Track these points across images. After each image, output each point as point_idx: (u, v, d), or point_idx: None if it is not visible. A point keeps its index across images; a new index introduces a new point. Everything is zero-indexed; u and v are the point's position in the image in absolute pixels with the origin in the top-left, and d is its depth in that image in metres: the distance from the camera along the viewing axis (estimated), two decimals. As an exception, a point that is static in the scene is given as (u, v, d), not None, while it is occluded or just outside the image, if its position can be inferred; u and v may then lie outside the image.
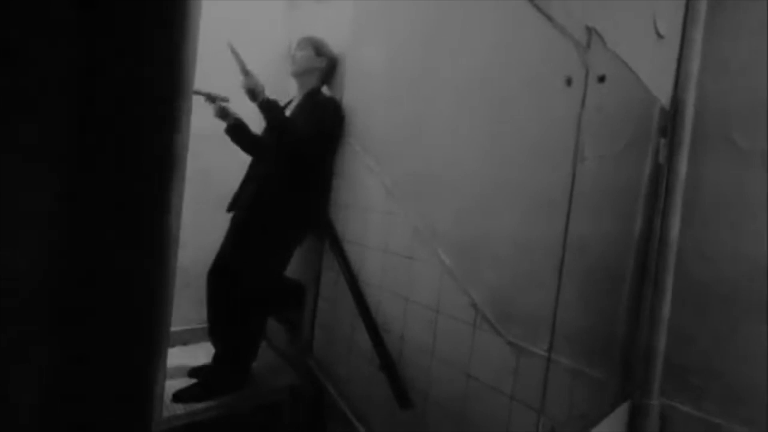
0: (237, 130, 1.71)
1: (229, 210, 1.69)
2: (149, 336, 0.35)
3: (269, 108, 1.53)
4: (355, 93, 1.72)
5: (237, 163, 1.76)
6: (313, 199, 1.74)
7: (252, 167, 1.74)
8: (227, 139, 1.77)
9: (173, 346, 1.93)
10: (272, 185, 1.62)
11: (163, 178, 0.33)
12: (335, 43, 1.80)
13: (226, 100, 1.68)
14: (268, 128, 1.68)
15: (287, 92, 2.03)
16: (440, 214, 1.26)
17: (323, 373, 1.68)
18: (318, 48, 1.75)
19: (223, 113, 1.68)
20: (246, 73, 1.51)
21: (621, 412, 1.25)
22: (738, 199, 1.17)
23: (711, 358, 1.18)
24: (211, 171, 2.02)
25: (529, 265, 1.06)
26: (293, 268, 1.81)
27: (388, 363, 1.33)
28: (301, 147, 1.59)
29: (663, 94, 1.24)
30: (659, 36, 1.12)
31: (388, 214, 1.44)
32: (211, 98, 1.66)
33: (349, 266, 1.58)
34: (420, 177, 1.35)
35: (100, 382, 0.32)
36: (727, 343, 1.16)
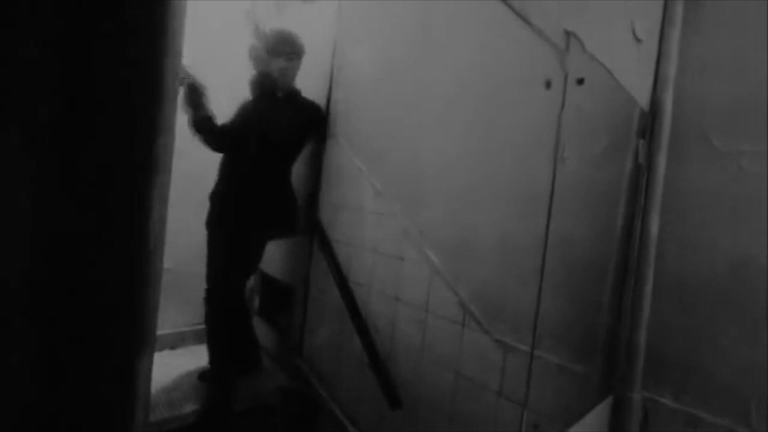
0: (205, 123, 1.53)
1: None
2: (133, 339, 0.35)
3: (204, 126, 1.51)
4: (342, 93, 1.72)
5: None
6: (275, 200, 1.72)
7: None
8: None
9: (161, 350, 1.91)
10: (222, 195, 1.65)
11: (146, 180, 0.33)
12: (322, 44, 1.80)
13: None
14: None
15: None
16: (429, 214, 1.28)
17: (313, 373, 1.68)
18: (285, 52, 1.67)
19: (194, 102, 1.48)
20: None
21: (604, 406, 1.28)
22: (714, 197, 1.21)
23: (690, 352, 1.22)
24: (198, 172, 2.00)
25: (515, 263, 1.07)
26: (282, 269, 1.80)
27: (377, 363, 1.34)
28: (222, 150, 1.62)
29: (642, 97, 1.27)
30: (637, 40, 1.15)
31: (378, 215, 1.45)
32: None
33: (338, 267, 1.58)
34: (408, 178, 1.36)
35: (81, 384, 0.32)
36: (705, 338, 1.19)
